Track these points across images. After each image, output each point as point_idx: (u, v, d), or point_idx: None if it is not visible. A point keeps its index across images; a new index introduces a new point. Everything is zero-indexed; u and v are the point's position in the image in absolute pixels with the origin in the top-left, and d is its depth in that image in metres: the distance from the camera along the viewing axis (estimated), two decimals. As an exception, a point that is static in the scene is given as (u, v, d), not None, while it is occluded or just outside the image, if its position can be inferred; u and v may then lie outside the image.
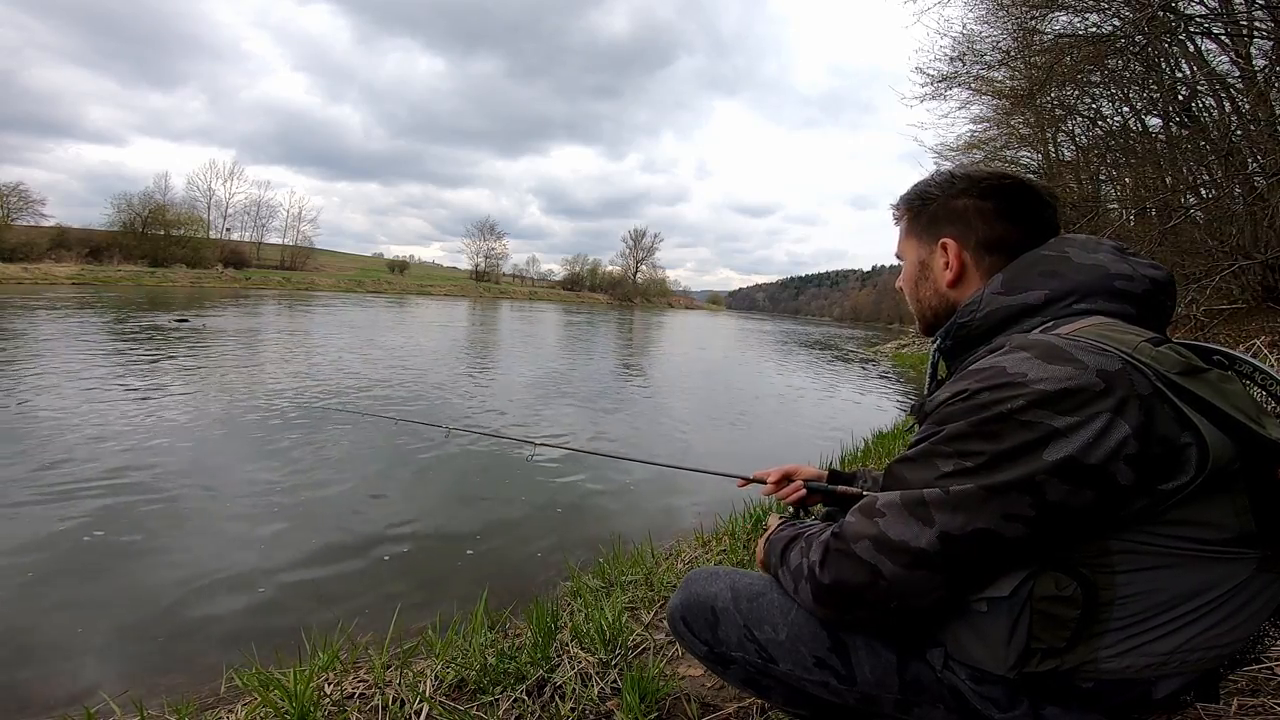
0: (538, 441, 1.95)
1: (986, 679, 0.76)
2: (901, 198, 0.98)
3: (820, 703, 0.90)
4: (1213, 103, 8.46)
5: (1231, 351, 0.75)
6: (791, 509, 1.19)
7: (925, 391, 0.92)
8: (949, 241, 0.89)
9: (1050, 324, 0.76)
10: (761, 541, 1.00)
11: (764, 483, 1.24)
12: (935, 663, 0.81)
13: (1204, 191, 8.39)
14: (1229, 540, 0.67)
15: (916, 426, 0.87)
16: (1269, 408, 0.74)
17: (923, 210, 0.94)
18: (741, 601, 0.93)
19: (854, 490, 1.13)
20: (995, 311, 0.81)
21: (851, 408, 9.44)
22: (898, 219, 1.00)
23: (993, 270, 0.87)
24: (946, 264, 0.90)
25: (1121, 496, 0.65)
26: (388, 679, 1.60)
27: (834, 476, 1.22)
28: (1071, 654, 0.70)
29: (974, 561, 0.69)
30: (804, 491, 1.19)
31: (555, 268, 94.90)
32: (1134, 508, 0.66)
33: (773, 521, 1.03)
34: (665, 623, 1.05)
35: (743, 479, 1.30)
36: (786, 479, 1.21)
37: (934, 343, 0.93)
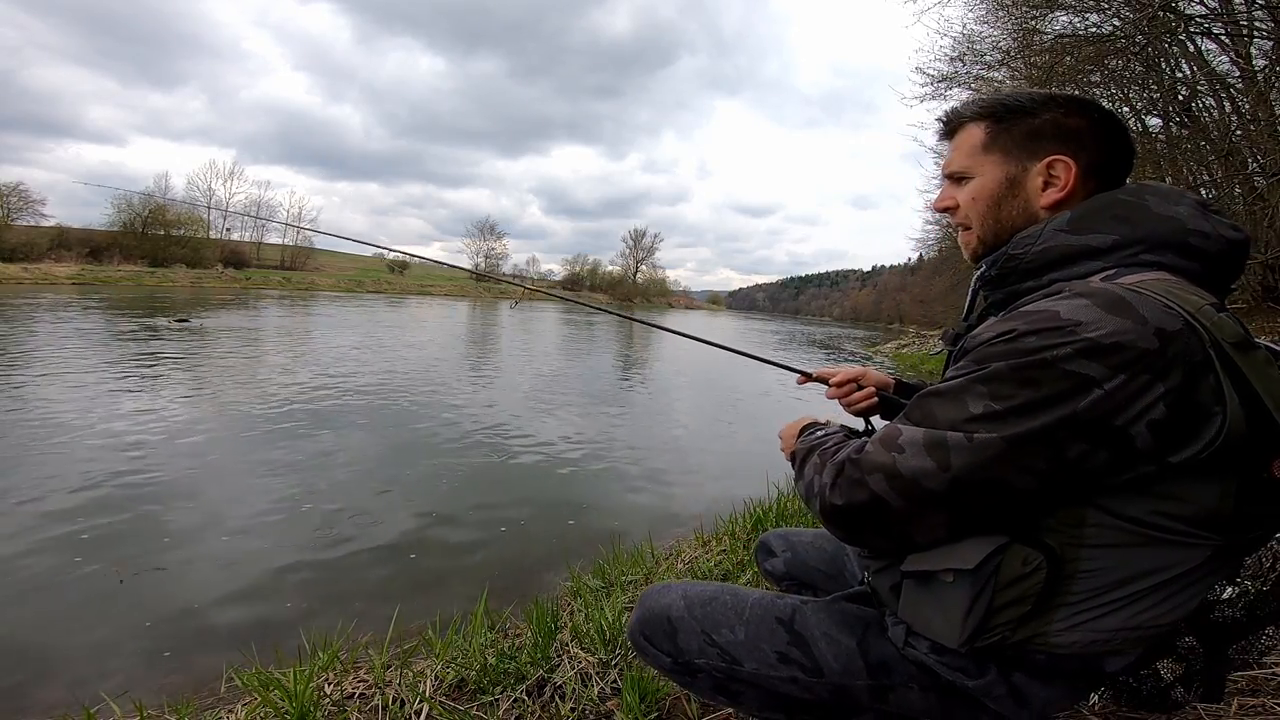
0: (524, 287, 1.65)
1: (946, 650, 0.77)
2: (969, 106, 0.88)
3: (794, 702, 0.89)
4: (1213, 103, 8.47)
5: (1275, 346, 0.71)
6: (858, 418, 1.12)
7: (963, 319, 0.89)
8: (1064, 159, 0.79)
9: (1113, 271, 0.72)
10: (790, 440, 0.96)
11: (826, 383, 1.16)
12: (897, 640, 0.82)
13: (1204, 191, 8.39)
14: (1199, 521, 0.66)
15: (948, 353, 0.86)
16: None
17: (1016, 122, 0.82)
18: (695, 608, 0.92)
19: None
20: (1054, 248, 0.76)
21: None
22: (952, 130, 0.89)
23: (1090, 198, 0.79)
24: (1049, 183, 0.80)
25: (1131, 460, 0.63)
26: (388, 679, 1.60)
27: (900, 387, 1.16)
28: (1024, 628, 0.71)
29: (979, 507, 0.68)
30: (875, 400, 1.12)
31: (555, 268, 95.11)
32: (1134, 474, 0.64)
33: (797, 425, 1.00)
34: (636, 651, 1.03)
35: (804, 374, 1.21)
36: (855, 384, 1.13)
37: (978, 270, 0.87)
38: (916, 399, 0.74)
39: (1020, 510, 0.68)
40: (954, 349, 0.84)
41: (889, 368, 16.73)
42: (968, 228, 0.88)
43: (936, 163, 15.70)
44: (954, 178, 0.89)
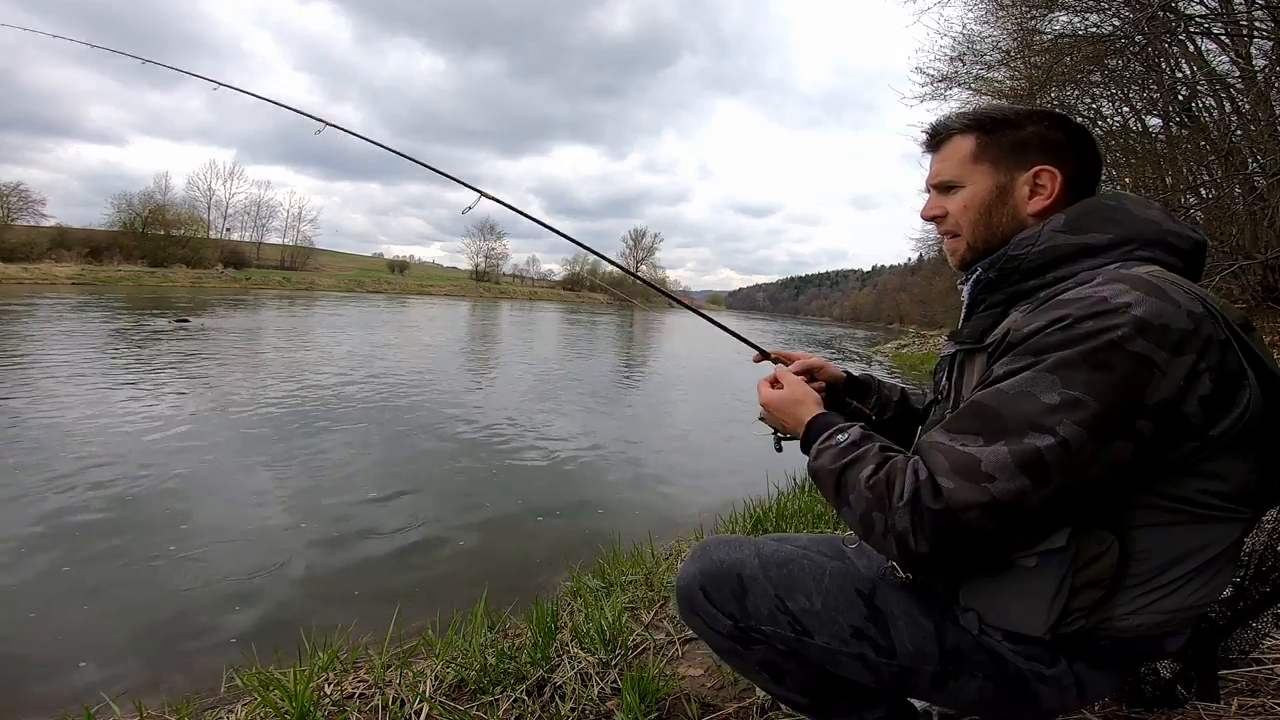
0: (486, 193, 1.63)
1: (1024, 639, 0.77)
2: (957, 117, 0.91)
3: (842, 684, 0.87)
4: (1213, 103, 8.46)
5: None
6: None
7: (961, 322, 0.91)
8: (1050, 170, 0.84)
9: (1115, 266, 0.75)
10: (784, 415, 0.94)
11: (784, 364, 1.12)
12: (971, 627, 0.80)
13: (1204, 191, 8.39)
14: (1233, 496, 0.69)
15: (960, 354, 0.86)
16: None
17: (1004, 134, 0.86)
18: (771, 568, 0.87)
19: (865, 410, 1.09)
20: (1054, 248, 0.79)
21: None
22: (938, 142, 0.91)
23: (1065, 209, 0.84)
24: (1035, 191, 0.85)
25: (1182, 438, 0.66)
26: (388, 679, 1.60)
27: (851, 384, 1.15)
28: (1096, 612, 0.72)
29: (1071, 511, 0.68)
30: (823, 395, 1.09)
31: (555, 268, 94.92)
32: (1183, 451, 0.67)
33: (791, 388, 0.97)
34: (675, 609, 0.98)
35: (762, 352, 1.18)
36: (810, 375, 1.10)
37: (972, 273, 0.89)
38: (968, 408, 0.72)
39: (1101, 505, 0.69)
40: (967, 349, 0.84)
41: (889, 368, 16.73)
42: (955, 235, 0.90)
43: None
44: (942, 187, 0.91)
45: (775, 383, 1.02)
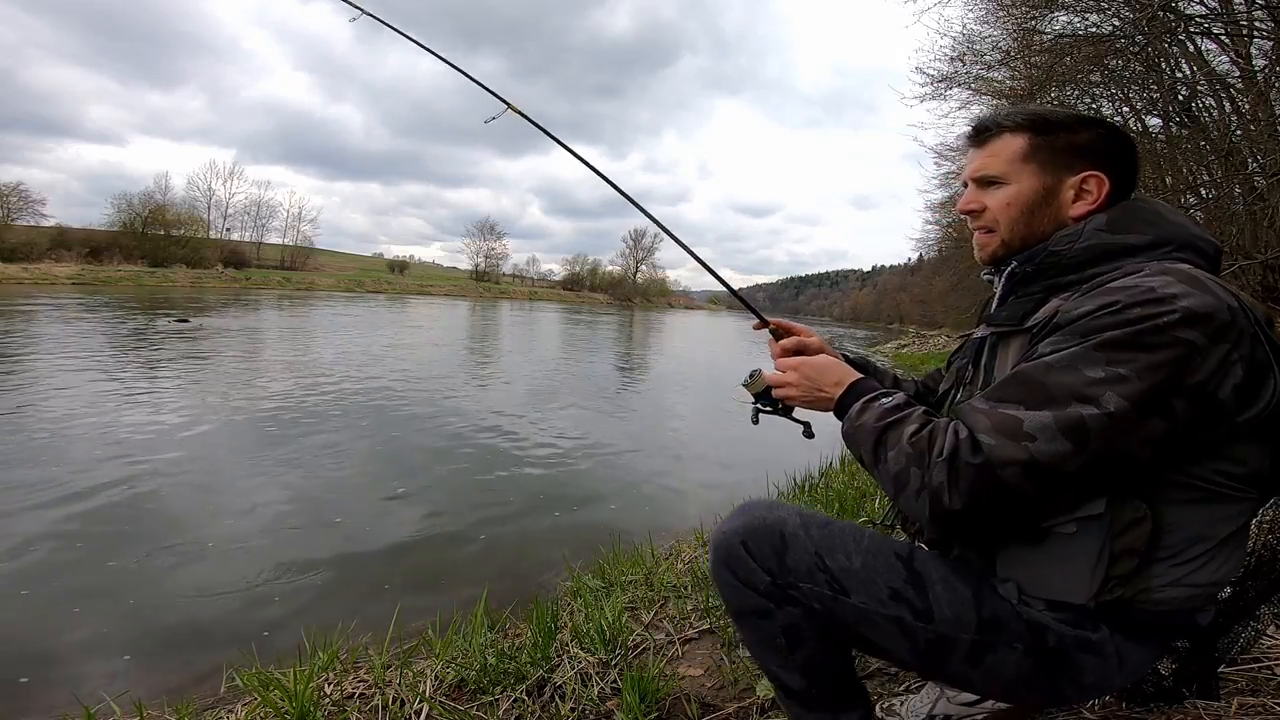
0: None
1: (1064, 607, 0.78)
2: (1010, 115, 0.91)
3: (840, 674, 0.91)
4: (1213, 103, 8.46)
5: None
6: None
7: (993, 309, 0.93)
8: (1099, 176, 0.86)
9: (1150, 264, 0.78)
10: (819, 383, 0.95)
11: (784, 334, 1.12)
12: (1010, 597, 0.80)
13: (1204, 191, 8.39)
14: (1246, 479, 0.74)
15: (992, 338, 0.89)
16: None
17: (1057, 137, 0.87)
18: (812, 527, 0.88)
19: None
20: (1096, 245, 0.82)
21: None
22: (987, 136, 0.91)
23: (1118, 206, 0.87)
24: (1080, 196, 0.87)
25: (1214, 423, 0.70)
26: (388, 679, 1.60)
27: (850, 363, 1.12)
28: (1130, 583, 0.74)
29: (1105, 482, 0.71)
30: None
31: (555, 268, 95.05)
32: (1210, 434, 0.71)
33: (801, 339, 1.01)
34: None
35: (761, 320, 1.16)
36: (804, 349, 1.09)
37: (1007, 266, 0.91)
38: (1010, 377, 0.75)
39: (1133, 478, 0.73)
40: (1003, 332, 0.87)
41: (889, 367, 16.72)
42: (990, 230, 0.91)
43: (937, 163, 15.66)
44: (983, 181, 0.91)
45: (793, 352, 1.05)
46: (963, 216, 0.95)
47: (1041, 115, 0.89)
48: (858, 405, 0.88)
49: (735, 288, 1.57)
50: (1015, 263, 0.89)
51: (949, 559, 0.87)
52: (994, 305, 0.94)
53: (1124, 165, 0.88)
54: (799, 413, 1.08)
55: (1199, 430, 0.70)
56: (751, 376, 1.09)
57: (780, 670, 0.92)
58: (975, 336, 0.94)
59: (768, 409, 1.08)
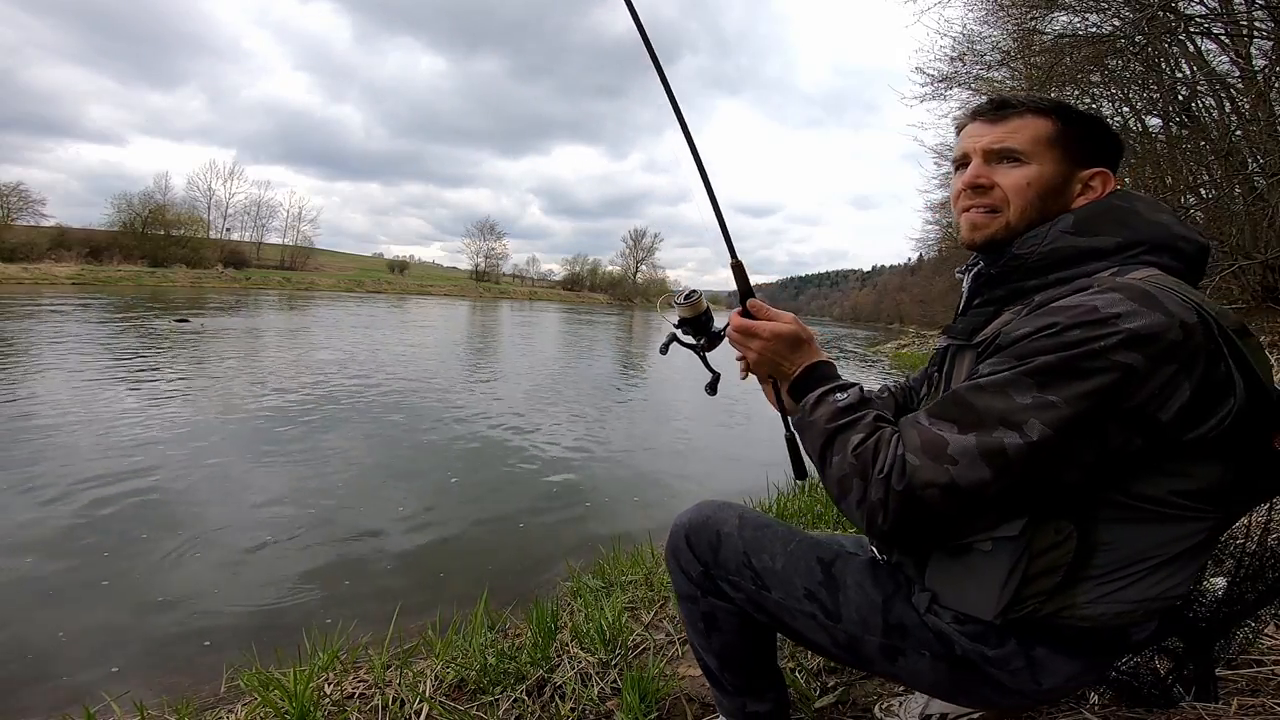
0: None
1: (971, 620, 0.79)
2: (1042, 99, 0.87)
3: (803, 640, 0.96)
4: (1213, 103, 8.47)
5: None
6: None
7: (956, 316, 0.92)
8: (1107, 173, 0.84)
9: (1118, 270, 0.75)
10: (779, 359, 0.89)
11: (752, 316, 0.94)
12: (920, 606, 0.84)
13: (1204, 191, 8.40)
14: (1203, 495, 0.71)
15: (953, 348, 0.87)
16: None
17: (1082, 128, 0.84)
18: (746, 530, 0.98)
19: None
20: (1061, 249, 0.79)
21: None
22: (1004, 111, 0.86)
23: (1088, 205, 0.84)
24: (1084, 191, 0.84)
25: (1157, 443, 0.68)
26: (388, 679, 1.60)
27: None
28: (1051, 601, 0.74)
29: (1028, 502, 0.71)
30: None
31: (555, 268, 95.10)
32: (1154, 455, 0.69)
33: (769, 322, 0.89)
34: (675, 609, 1.08)
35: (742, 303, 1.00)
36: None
37: (974, 265, 0.89)
38: (949, 397, 0.74)
39: (1061, 500, 0.71)
40: (958, 344, 0.86)
41: (889, 367, 16.73)
42: (994, 211, 0.85)
43: (936, 163, 15.63)
44: (998, 155, 0.85)
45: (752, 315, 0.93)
46: (961, 196, 0.88)
47: (1065, 104, 0.86)
48: (814, 396, 0.85)
49: (735, 287, 1.43)
50: (982, 263, 0.87)
51: (876, 565, 0.91)
52: (959, 310, 0.92)
53: (1117, 167, 0.88)
54: (714, 365, 1.02)
55: (1138, 452, 0.68)
56: (689, 298, 0.98)
57: (702, 652, 1.05)
58: (939, 346, 0.94)
59: (690, 341, 0.98)
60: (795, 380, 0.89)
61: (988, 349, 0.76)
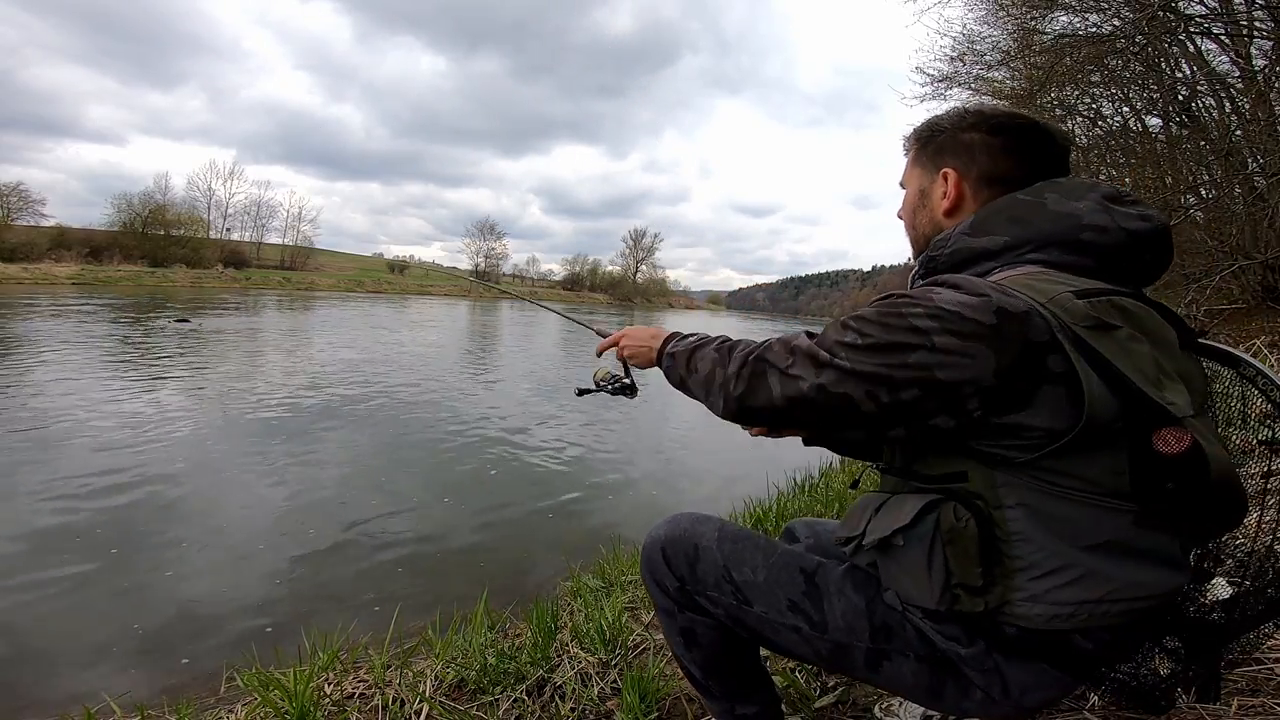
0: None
1: (936, 616, 0.80)
2: (913, 130, 0.99)
3: (733, 671, 0.99)
4: (1213, 103, 8.46)
5: (1235, 351, 0.75)
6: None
7: None
8: (950, 171, 0.91)
9: (1001, 269, 0.79)
10: (646, 339, 1.08)
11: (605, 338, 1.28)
12: (895, 604, 0.85)
13: (1204, 191, 8.39)
14: (1106, 491, 0.69)
15: None
16: (1249, 402, 0.76)
17: (930, 141, 0.95)
18: (725, 543, 0.96)
19: None
20: (960, 251, 0.84)
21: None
22: (907, 150, 1.01)
23: (988, 204, 0.87)
24: (945, 193, 0.91)
25: (975, 426, 0.70)
26: (388, 679, 1.60)
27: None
28: (991, 593, 0.74)
29: (838, 416, 0.75)
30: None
31: (555, 268, 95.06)
32: (1001, 443, 0.70)
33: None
34: (641, 575, 1.06)
35: (597, 331, 1.34)
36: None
37: (913, 270, 0.96)
38: (831, 323, 0.83)
39: (874, 429, 0.75)
40: None
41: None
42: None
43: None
44: (903, 188, 1.02)
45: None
46: None
47: (929, 123, 0.96)
48: (674, 340, 1.00)
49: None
50: (917, 265, 0.94)
51: (854, 570, 0.92)
52: None
53: (995, 155, 0.87)
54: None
55: (949, 424, 0.71)
56: (594, 374, 1.34)
57: (685, 662, 1.04)
58: None
59: (604, 386, 1.32)
60: (660, 349, 1.02)
61: None
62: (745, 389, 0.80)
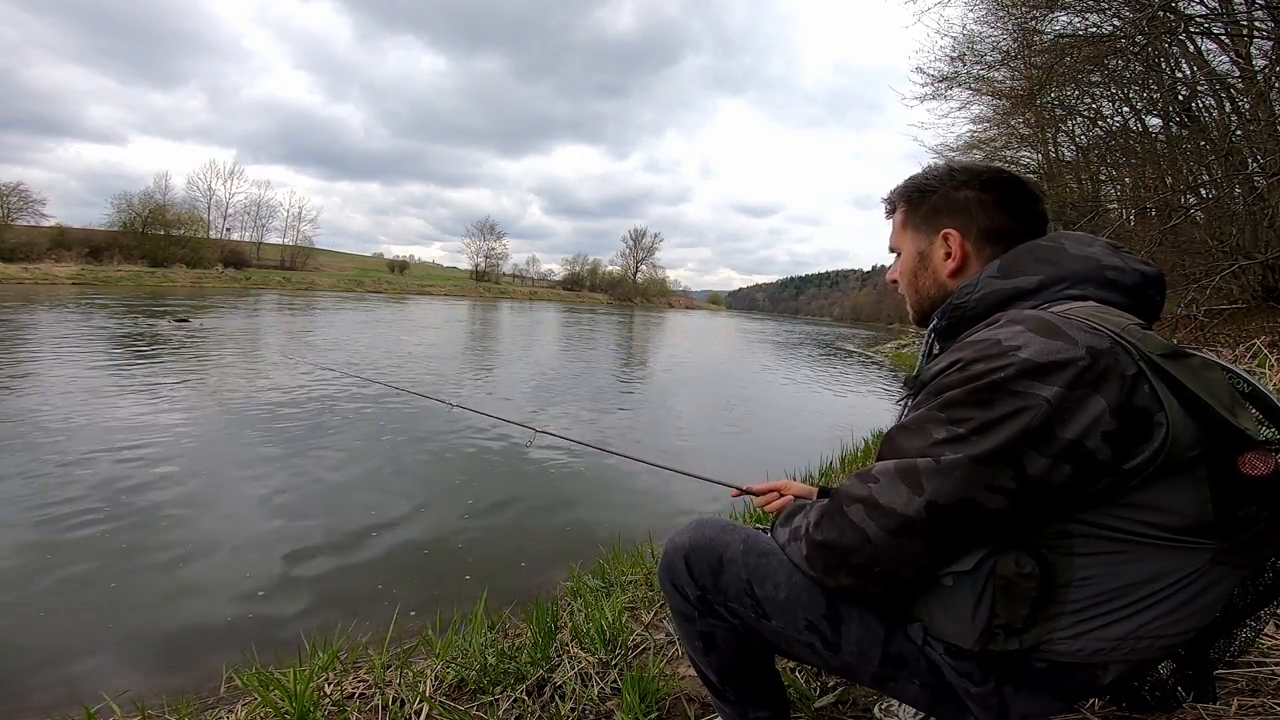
0: (538, 429, 1.94)
1: (961, 654, 0.79)
2: (895, 191, 0.99)
3: (748, 676, 1.01)
4: (1213, 103, 8.47)
5: (1230, 366, 0.76)
6: None
7: (919, 367, 0.94)
8: (951, 232, 0.91)
9: (1044, 306, 0.78)
10: (780, 510, 1.07)
11: (755, 494, 1.27)
12: (916, 638, 0.84)
13: (1204, 191, 8.39)
14: (1187, 528, 0.68)
15: (910, 400, 0.90)
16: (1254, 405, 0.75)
17: (921, 202, 0.95)
18: (751, 556, 0.94)
19: None
20: (990, 294, 0.83)
21: (860, 404, 9.45)
22: (890, 212, 1.01)
23: (991, 260, 0.89)
24: (948, 254, 0.91)
25: (1095, 473, 0.67)
26: (388, 679, 1.60)
27: (823, 493, 1.22)
28: (1029, 633, 0.72)
29: (956, 531, 0.71)
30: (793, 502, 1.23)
31: (555, 268, 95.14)
32: (1101, 485, 0.68)
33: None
34: (659, 564, 1.06)
35: (737, 490, 1.32)
36: (777, 493, 1.25)
37: (930, 321, 0.96)
38: (886, 435, 0.80)
39: (998, 531, 0.71)
40: (912, 392, 0.89)
41: (889, 367, 16.73)
42: (905, 297, 1.01)
43: (936, 163, 15.66)
44: (893, 252, 1.02)
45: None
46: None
47: (915, 185, 0.96)
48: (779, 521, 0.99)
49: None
50: (936, 318, 0.93)
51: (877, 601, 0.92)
52: (919, 365, 0.98)
53: (990, 211, 0.89)
54: None
55: (1074, 481, 0.67)
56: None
57: (703, 667, 1.04)
58: (899, 401, 1.00)
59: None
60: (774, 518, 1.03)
61: (916, 389, 0.82)
62: (823, 525, 0.78)
